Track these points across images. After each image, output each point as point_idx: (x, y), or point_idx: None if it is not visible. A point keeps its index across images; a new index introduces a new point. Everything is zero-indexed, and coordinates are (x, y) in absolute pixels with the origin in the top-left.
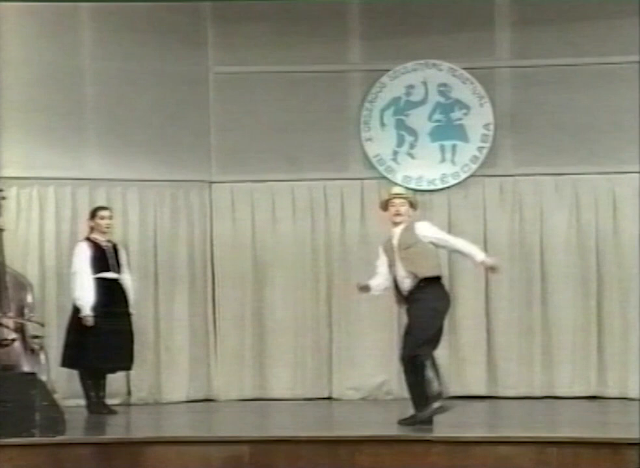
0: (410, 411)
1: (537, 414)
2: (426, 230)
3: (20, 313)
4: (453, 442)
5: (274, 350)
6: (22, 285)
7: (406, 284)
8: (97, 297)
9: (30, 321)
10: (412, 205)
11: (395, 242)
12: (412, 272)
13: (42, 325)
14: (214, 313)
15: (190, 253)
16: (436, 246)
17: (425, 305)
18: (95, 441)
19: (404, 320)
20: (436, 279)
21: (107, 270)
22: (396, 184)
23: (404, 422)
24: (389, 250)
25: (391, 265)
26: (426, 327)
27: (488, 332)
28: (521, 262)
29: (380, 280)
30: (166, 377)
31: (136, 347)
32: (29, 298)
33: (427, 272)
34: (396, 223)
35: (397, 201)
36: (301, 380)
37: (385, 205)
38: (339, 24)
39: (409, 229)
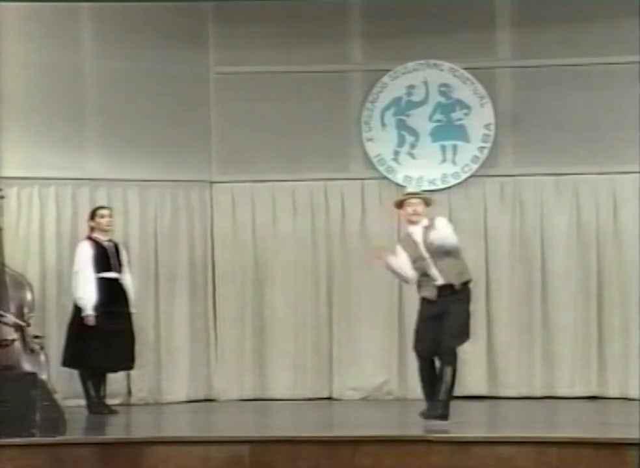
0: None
1: (537, 414)
2: (443, 227)
3: (20, 313)
4: (453, 442)
5: (274, 350)
6: (21, 285)
7: (439, 281)
8: (99, 296)
9: (28, 324)
10: (427, 204)
11: (418, 240)
12: (448, 280)
13: (40, 337)
14: (214, 313)
15: (190, 253)
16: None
17: (462, 306)
18: (95, 441)
19: (405, 320)
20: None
21: (109, 269)
22: (397, 184)
23: (430, 415)
24: (411, 247)
25: (417, 261)
26: (465, 326)
27: (488, 332)
28: (522, 262)
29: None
30: (166, 377)
31: (136, 347)
32: (29, 298)
33: (462, 277)
34: (413, 222)
35: (413, 200)
36: (301, 380)
37: (400, 204)
38: (339, 24)
39: (431, 228)
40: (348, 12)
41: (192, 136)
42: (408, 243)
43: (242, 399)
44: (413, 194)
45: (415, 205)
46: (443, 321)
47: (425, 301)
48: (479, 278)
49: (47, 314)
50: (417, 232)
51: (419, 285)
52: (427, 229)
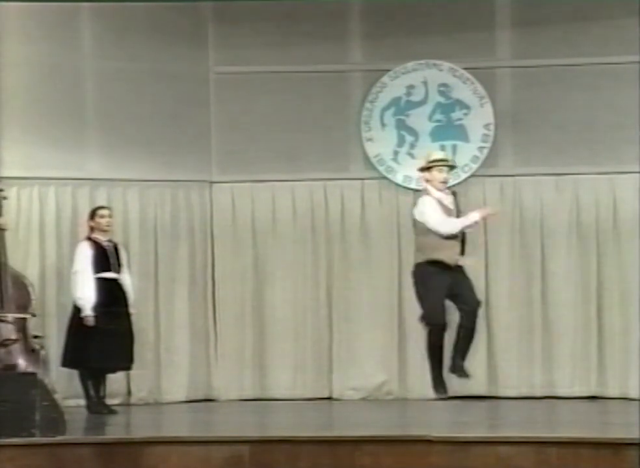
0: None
1: (537, 414)
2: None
3: (22, 313)
4: (453, 442)
5: (274, 349)
6: (23, 285)
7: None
8: (98, 297)
9: (31, 314)
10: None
11: (451, 207)
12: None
13: (40, 337)
14: (214, 313)
15: (190, 253)
16: None
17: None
18: (95, 441)
19: (405, 320)
20: None
21: (108, 269)
22: (397, 184)
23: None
24: (446, 211)
25: None
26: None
27: (488, 332)
28: (522, 262)
29: None
30: (166, 377)
31: (136, 347)
32: (31, 298)
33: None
34: (440, 189)
35: (444, 167)
36: (301, 380)
37: (428, 168)
38: (339, 24)
39: (456, 199)
40: (348, 11)
41: (192, 136)
42: (440, 206)
43: (242, 399)
44: (444, 161)
45: (446, 172)
46: (459, 285)
47: (434, 269)
48: (479, 278)
49: (47, 314)
50: (446, 198)
51: (434, 248)
52: (455, 198)
